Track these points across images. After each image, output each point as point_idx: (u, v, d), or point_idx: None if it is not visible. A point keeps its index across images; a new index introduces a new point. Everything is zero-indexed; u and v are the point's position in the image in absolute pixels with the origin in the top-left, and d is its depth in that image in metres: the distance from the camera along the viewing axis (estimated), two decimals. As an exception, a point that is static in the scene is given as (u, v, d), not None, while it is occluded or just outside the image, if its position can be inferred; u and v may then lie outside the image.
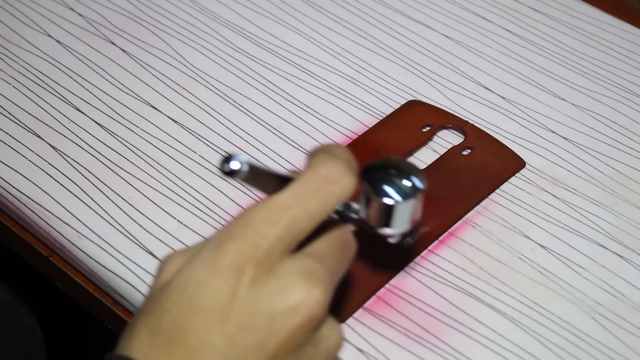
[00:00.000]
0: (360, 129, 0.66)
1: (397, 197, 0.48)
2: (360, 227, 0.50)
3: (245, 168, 0.43)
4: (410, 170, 0.49)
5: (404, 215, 0.49)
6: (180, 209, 0.61)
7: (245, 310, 0.41)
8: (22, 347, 0.70)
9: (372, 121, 0.66)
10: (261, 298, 0.41)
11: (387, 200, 0.48)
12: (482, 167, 0.63)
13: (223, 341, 0.41)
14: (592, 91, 0.69)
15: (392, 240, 0.52)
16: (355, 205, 0.49)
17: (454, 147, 0.64)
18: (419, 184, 0.49)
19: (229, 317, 0.41)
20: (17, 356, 0.69)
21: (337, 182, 0.43)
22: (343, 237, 0.46)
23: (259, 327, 0.41)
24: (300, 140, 0.65)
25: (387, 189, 0.48)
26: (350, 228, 0.47)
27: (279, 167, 0.63)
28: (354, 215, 0.49)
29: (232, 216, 0.60)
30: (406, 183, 0.49)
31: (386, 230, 0.50)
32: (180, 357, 0.41)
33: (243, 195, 0.61)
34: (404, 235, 0.52)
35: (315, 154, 0.45)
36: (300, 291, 0.41)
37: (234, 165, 0.43)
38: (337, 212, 0.49)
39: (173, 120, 0.66)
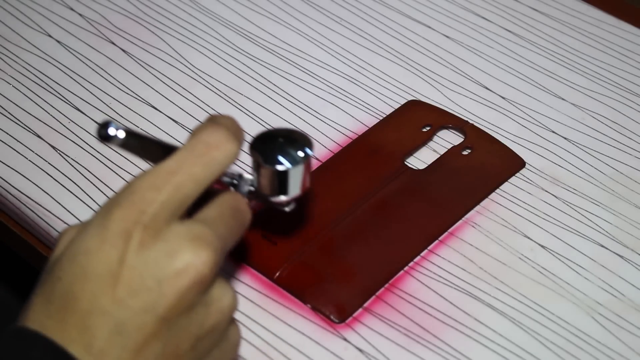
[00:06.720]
0: (360, 129, 0.66)
1: (288, 164, 0.49)
2: (257, 200, 0.51)
3: (122, 135, 0.44)
4: (298, 138, 0.51)
5: (295, 181, 0.50)
6: (180, 209, 0.61)
7: (134, 274, 0.42)
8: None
9: (372, 121, 0.66)
10: (149, 261, 0.42)
11: (279, 167, 0.49)
12: (482, 167, 0.63)
13: (113, 305, 0.41)
14: (592, 91, 0.69)
15: (287, 209, 0.52)
16: (248, 177, 0.50)
17: (454, 147, 0.64)
18: (307, 150, 0.50)
19: (118, 282, 0.42)
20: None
21: (219, 147, 0.44)
22: (234, 204, 0.47)
23: (148, 290, 0.42)
24: (300, 140, 0.65)
25: (278, 156, 0.50)
26: (242, 197, 0.48)
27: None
28: (249, 188, 0.50)
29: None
30: (295, 150, 0.50)
31: (280, 198, 0.50)
32: (72, 323, 0.42)
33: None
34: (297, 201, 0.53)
35: (200, 125, 0.46)
36: (187, 253, 0.42)
37: (111, 131, 0.44)
38: (232, 185, 0.50)
39: (173, 120, 0.66)
